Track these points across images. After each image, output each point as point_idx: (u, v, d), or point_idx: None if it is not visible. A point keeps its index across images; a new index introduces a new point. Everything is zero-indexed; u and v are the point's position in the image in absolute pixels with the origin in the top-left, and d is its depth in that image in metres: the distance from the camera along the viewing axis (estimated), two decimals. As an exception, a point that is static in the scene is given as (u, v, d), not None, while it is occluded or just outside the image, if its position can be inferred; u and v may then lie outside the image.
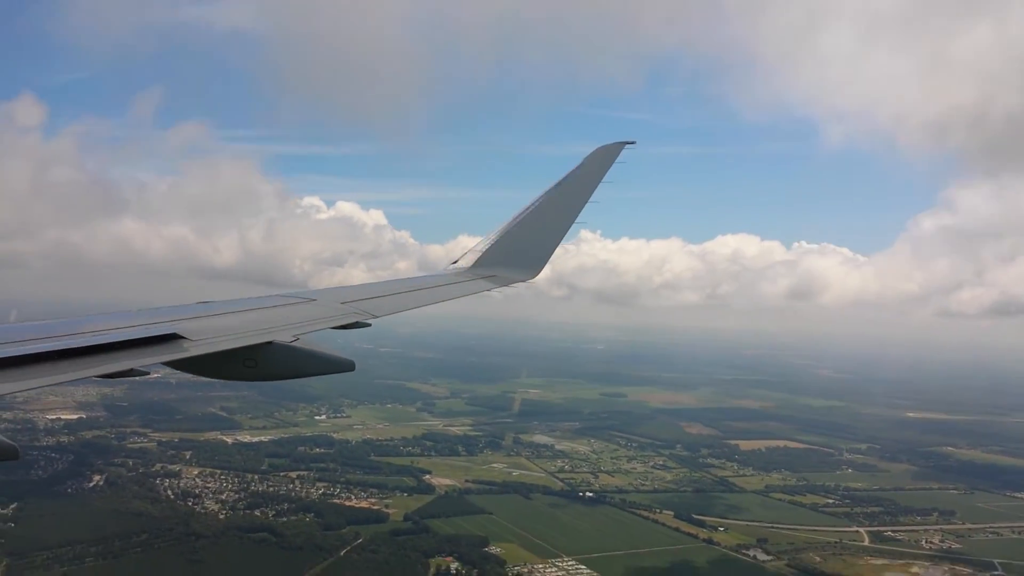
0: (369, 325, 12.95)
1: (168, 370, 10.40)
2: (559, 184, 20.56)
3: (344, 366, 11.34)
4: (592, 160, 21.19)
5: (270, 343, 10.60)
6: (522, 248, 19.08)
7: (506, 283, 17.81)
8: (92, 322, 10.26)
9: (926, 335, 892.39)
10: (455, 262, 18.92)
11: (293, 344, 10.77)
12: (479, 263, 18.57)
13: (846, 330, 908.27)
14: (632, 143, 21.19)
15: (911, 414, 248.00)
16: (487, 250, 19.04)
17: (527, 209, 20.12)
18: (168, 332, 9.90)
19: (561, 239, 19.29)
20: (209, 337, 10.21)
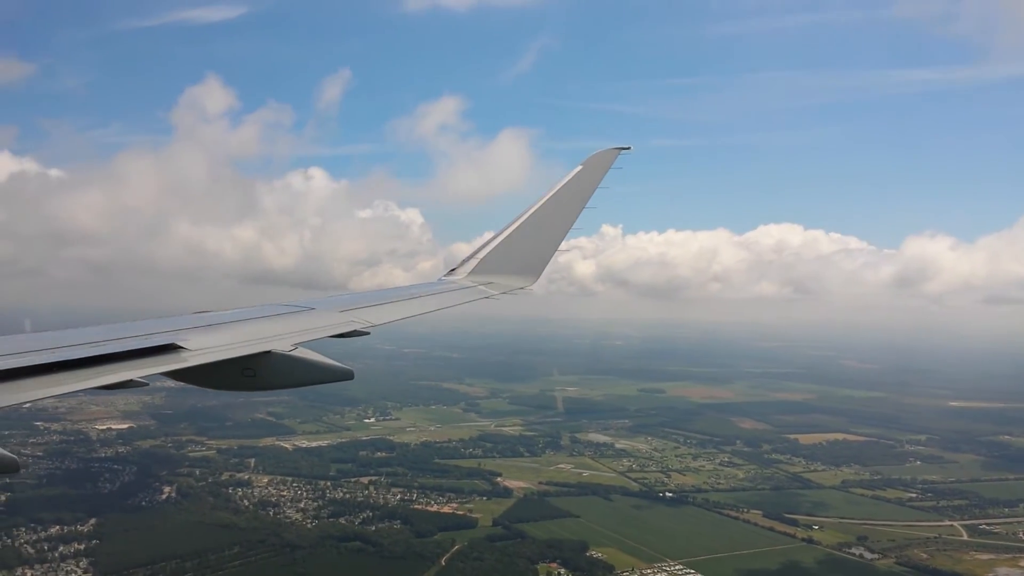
0: (368, 334, 13.00)
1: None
2: (556, 190, 20.45)
3: (342, 375, 11.19)
4: (589, 165, 21.08)
5: (269, 352, 10.56)
6: (520, 254, 19.00)
7: (504, 290, 17.77)
8: (90, 333, 10.10)
9: (929, 321, 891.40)
10: (453, 269, 18.87)
11: (292, 353, 10.75)
12: (477, 270, 18.55)
13: (846, 319, 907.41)
14: (627, 148, 21.08)
15: (954, 403, 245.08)
16: (485, 257, 18.98)
17: (524, 215, 19.96)
18: (166, 342, 9.83)
19: (559, 245, 19.24)
20: (208, 347, 10.13)
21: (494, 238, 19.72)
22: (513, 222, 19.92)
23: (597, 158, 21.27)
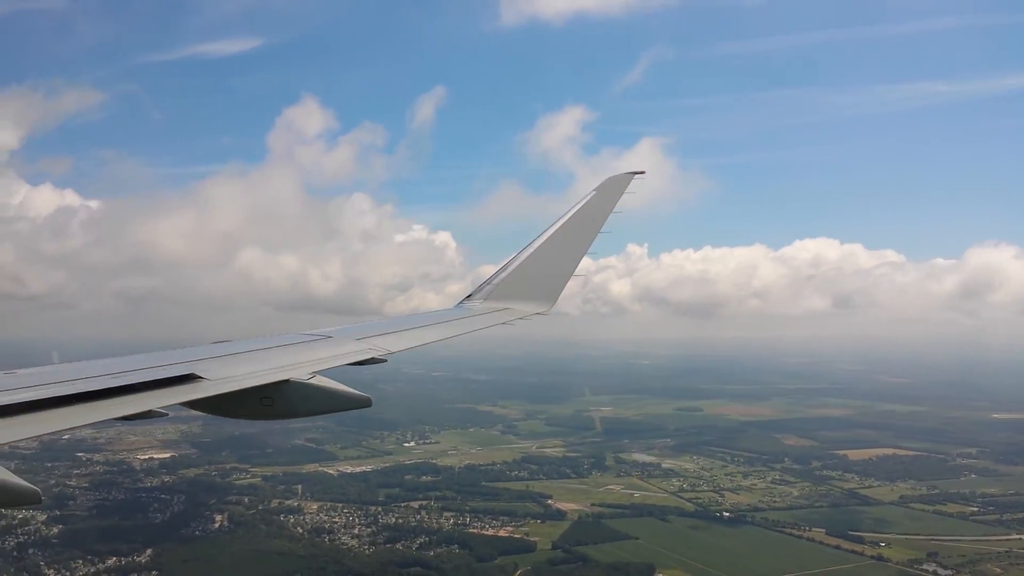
0: (385, 361, 13.12)
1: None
2: (569, 215, 20.55)
3: (360, 403, 11.22)
4: (602, 191, 21.22)
5: (287, 381, 10.66)
6: (535, 280, 18.98)
7: (521, 316, 17.80)
8: (110, 364, 10.20)
9: (961, 334, 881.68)
10: (469, 296, 18.88)
11: (310, 381, 10.87)
12: (493, 296, 18.60)
13: (877, 334, 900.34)
14: (641, 173, 21.24)
15: (997, 415, 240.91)
16: (500, 283, 19.04)
17: (538, 240, 20.05)
18: (186, 372, 9.94)
19: (574, 270, 19.13)
20: (226, 377, 10.24)
21: (509, 263, 19.76)
22: (528, 247, 19.97)
23: (611, 183, 21.45)
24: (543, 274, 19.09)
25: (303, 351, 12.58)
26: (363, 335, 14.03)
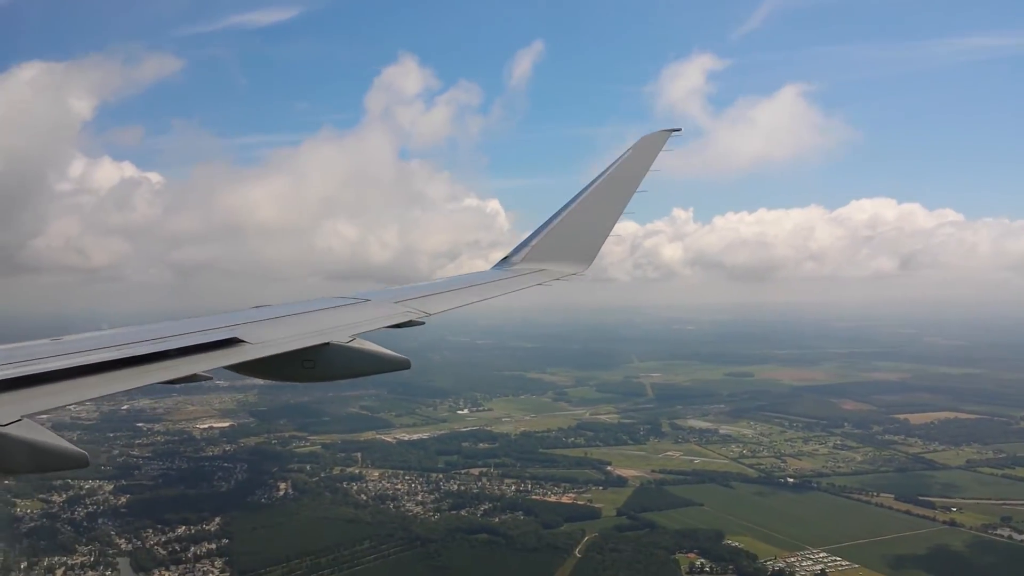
0: (423, 323, 13.01)
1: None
2: (606, 175, 20.24)
3: (399, 364, 11.19)
4: (639, 149, 20.83)
5: (327, 344, 10.69)
6: (572, 241, 18.75)
7: (557, 276, 17.49)
8: (153, 330, 10.30)
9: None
10: (506, 257, 18.62)
11: (350, 344, 10.88)
12: (529, 257, 18.39)
13: (929, 296, 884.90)
14: (678, 131, 20.85)
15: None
16: (536, 244, 18.81)
17: (575, 201, 19.73)
18: (228, 337, 10.00)
19: (611, 230, 18.89)
20: (268, 340, 10.32)
21: (546, 224, 19.41)
22: (564, 208, 19.64)
23: (647, 141, 21.05)
24: (580, 234, 18.91)
25: (343, 314, 12.75)
26: (402, 298, 14.10)
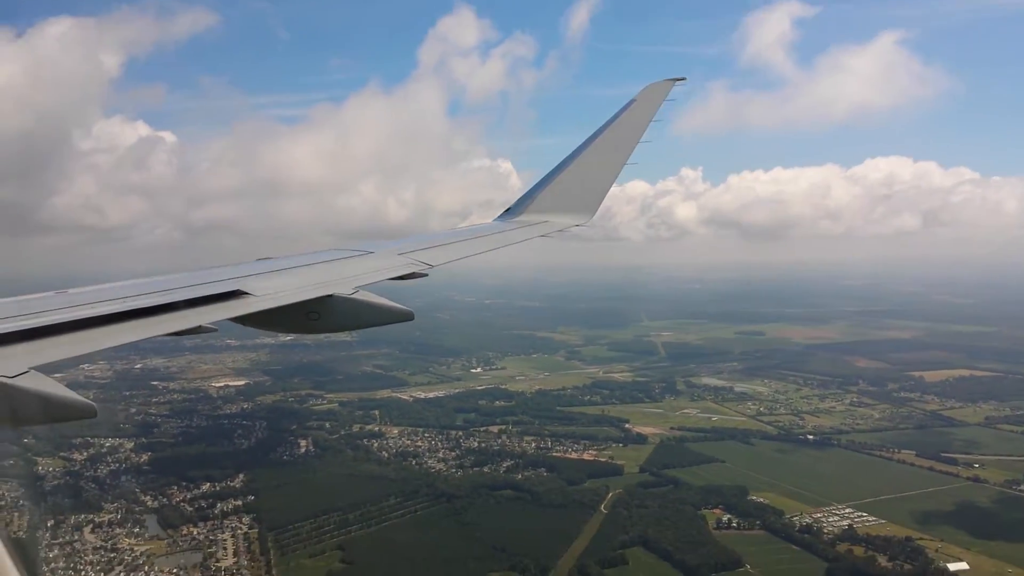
0: (426, 275, 13.02)
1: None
2: (609, 125, 19.84)
3: (403, 316, 11.06)
4: (643, 99, 20.38)
5: (331, 296, 10.66)
6: (574, 192, 18.60)
7: (560, 228, 17.52)
8: (158, 283, 10.26)
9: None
10: (508, 210, 18.63)
11: (354, 296, 10.84)
12: (531, 209, 18.35)
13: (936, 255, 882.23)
14: (683, 79, 20.48)
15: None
16: (539, 196, 18.73)
17: (577, 152, 19.41)
18: (232, 289, 10.02)
19: (613, 181, 18.82)
20: (272, 292, 10.33)
21: (550, 177, 19.22)
22: (568, 160, 19.35)
23: (650, 91, 20.67)
24: (582, 186, 18.76)
25: (346, 266, 12.78)
26: (405, 250, 14.10)
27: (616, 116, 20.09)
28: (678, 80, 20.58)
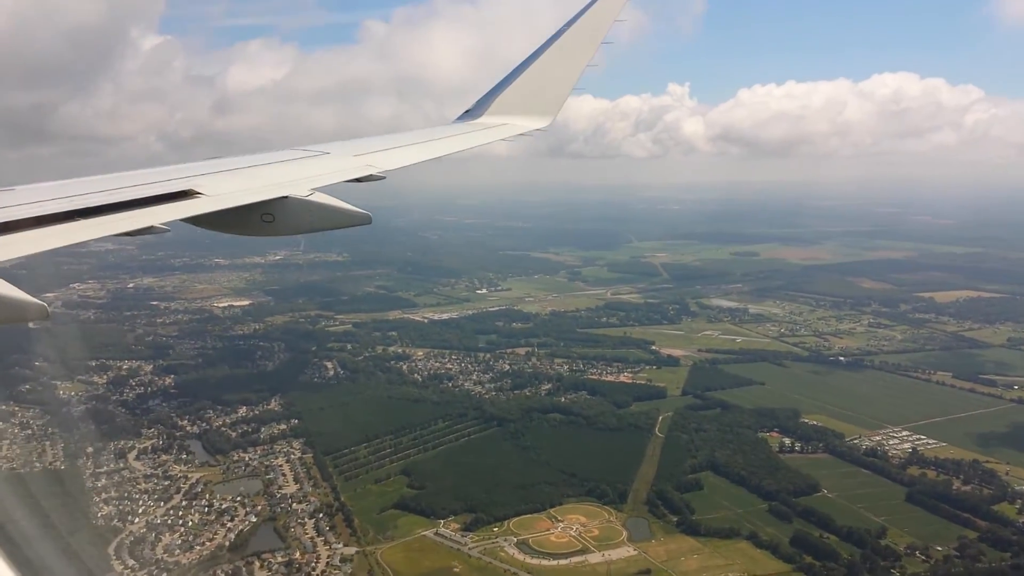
0: (383, 178, 12.74)
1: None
2: (570, 26, 18.77)
3: (360, 219, 10.80)
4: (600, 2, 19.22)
5: (286, 198, 10.45)
6: (535, 95, 17.93)
7: (521, 131, 17.17)
8: (108, 181, 9.98)
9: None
10: (467, 111, 18.13)
11: (309, 198, 10.61)
12: (491, 111, 17.80)
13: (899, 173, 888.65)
14: None
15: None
16: (499, 97, 18.06)
17: (537, 53, 18.52)
18: (184, 188, 9.85)
19: (574, 83, 18.13)
20: (225, 192, 10.13)
21: (510, 77, 18.41)
22: (528, 61, 18.47)
23: None
24: (543, 88, 18.03)
25: (302, 167, 12.38)
26: (361, 151, 13.80)
27: (576, 16, 18.89)
28: None
